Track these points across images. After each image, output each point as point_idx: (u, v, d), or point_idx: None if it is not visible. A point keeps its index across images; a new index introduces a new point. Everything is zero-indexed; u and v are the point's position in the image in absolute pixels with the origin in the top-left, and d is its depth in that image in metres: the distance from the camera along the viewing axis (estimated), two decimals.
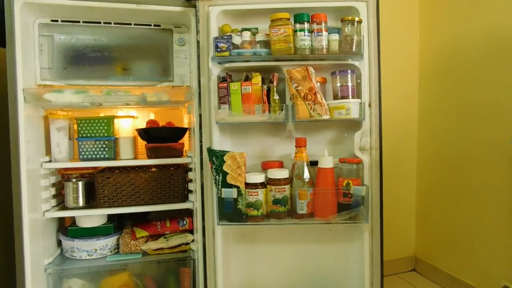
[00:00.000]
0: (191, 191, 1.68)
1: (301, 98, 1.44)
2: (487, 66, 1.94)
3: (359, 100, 1.50)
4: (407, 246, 2.55)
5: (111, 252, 1.67)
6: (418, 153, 2.49)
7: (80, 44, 1.58)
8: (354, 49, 1.46)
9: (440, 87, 2.27)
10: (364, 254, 1.54)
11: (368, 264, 1.54)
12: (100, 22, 1.59)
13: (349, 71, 1.51)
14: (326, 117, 1.45)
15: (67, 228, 1.66)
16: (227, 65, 1.51)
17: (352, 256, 1.62)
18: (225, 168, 1.42)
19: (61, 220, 1.75)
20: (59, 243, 1.69)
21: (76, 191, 1.61)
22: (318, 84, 1.50)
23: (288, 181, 1.46)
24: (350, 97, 1.51)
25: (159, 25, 1.65)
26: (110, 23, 1.60)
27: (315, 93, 1.43)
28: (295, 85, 1.44)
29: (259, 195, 1.43)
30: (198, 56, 1.50)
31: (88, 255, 1.62)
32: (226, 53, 1.45)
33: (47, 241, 1.60)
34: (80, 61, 1.59)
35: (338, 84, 1.53)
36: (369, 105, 1.53)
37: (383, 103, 1.53)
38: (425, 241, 2.48)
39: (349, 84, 1.51)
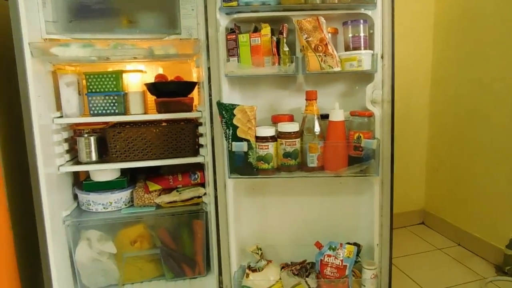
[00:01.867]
0: (201, 145, 1.69)
1: (312, 50, 1.40)
2: (503, 16, 1.85)
3: (371, 52, 1.45)
4: (417, 199, 2.57)
5: (125, 205, 1.71)
6: (430, 106, 2.44)
7: None
8: None
9: (455, 39, 2.19)
10: (374, 206, 1.56)
11: (378, 216, 1.56)
12: None
13: (361, 20, 1.45)
14: (337, 69, 1.42)
15: (82, 182, 1.70)
16: (235, 15, 1.47)
17: (362, 208, 1.64)
18: (235, 121, 1.42)
19: (76, 175, 1.79)
20: (75, 197, 1.73)
21: (89, 146, 1.63)
22: (329, 35, 1.45)
23: (299, 134, 1.46)
24: (362, 48, 1.46)
25: None
26: None
27: (326, 44, 1.39)
28: (306, 36, 1.40)
29: (270, 148, 1.44)
30: (205, 7, 1.45)
31: (104, 208, 1.67)
32: (234, 3, 1.40)
33: (63, 194, 1.64)
34: (84, 13, 1.55)
35: (350, 35, 1.48)
36: (382, 57, 1.48)
37: (396, 56, 1.48)
38: (434, 195, 2.50)
39: (361, 34, 1.46)
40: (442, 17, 2.28)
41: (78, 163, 1.65)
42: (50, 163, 1.51)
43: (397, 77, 1.50)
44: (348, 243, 1.57)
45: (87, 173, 1.73)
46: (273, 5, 1.42)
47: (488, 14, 1.95)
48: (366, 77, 1.51)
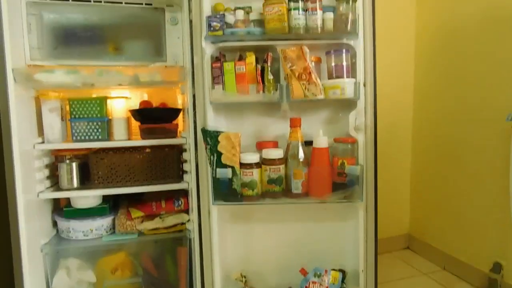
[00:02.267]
0: (186, 172, 1.68)
1: (296, 78, 1.42)
2: (482, 41, 1.93)
3: (354, 80, 1.48)
4: (401, 224, 2.58)
5: (107, 232, 1.68)
6: (413, 132, 2.49)
7: (70, 23, 1.55)
8: (349, 28, 1.44)
9: (436, 63, 2.26)
10: (359, 232, 1.56)
11: (362, 242, 1.56)
12: (90, 0, 1.55)
13: (344, 50, 1.49)
14: (321, 96, 1.44)
15: (62, 209, 1.66)
16: (220, 44, 1.49)
17: (347, 234, 1.64)
18: (219, 148, 1.42)
19: (56, 201, 1.75)
20: (55, 224, 1.69)
21: (70, 172, 1.61)
22: (313, 63, 1.48)
23: (283, 160, 1.46)
24: (345, 76, 1.49)
25: (151, 4, 1.62)
26: (101, 1, 1.56)
27: (310, 72, 1.42)
28: (290, 64, 1.43)
29: (254, 175, 1.44)
30: (191, 36, 1.48)
31: (84, 235, 1.63)
32: (220, 32, 1.43)
33: (42, 222, 1.60)
34: (70, 40, 1.56)
35: (333, 64, 1.51)
36: (364, 85, 1.51)
37: (378, 82, 1.52)
38: (419, 219, 2.51)
39: (344, 63, 1.50)
40: (423, 45, 2.36)
41: (59, 189, 1.62)
42: (29, 190, 1.48)
43: (379, 104, 1.53)
44: (333, 269, 1.56)
45: (68, 200, 1.69)
46: (258, 35, 1.45)
47: (468, 43, 2.02)
48: (349, 104, 1.54)
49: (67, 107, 1.60)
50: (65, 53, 1.56)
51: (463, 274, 2.13)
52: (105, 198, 1.72)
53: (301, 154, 1.47)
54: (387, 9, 2.20)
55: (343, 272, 1.56)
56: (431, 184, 2.36)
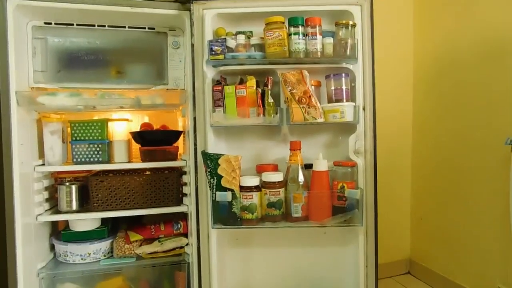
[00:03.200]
0: (185, 195, 1.67)
1: (296, 101, 1.44)
2: (481, 68, 1.96)
3: (353, 104, 1.50)
4: (402, 249, 2.55)
5: (105, 256, 1.65)
6: (413, 156, 2.50)
7: (74, 47, 1.58)
8: (348, 52, 1.47)
9: (434, 90, 2.29)
10: (359, 257, 1.54)
11: (363, 267, 1.54)
12: (94, 25, 1.58)
13: (343, 74, 1.51)
14: (321, 120, 1.45)
15: (60, 232, 1.65)
16: (221, 68, 1.51)
17: (347, 259, 1.62)
18: (219, 171, 1.42)
19: (54, 224, 1.73)
20: (52, 247, 1.67)
21: (70, 194, 1.60)
22: (313, 87, 1.50)
23: (283, 184, 1.46)
24: (345, 100, 1.51)
25: (154, 28, 1.65)
26: (104, 26, 1.59)
27: (310, 96, 1.44)
28: (290, 88, 1.44)
29: (254, 198, 1.43)
30: (193, 59, 1.50)
31: (82, 259, 1.61)
32: (221, 56, 1.45)
33: (40, 245, 1.58)
34: (74, 64, 1.58)
35: (333, 87, 1.53)
36: (363, 109, 1.53)
37: (378, 106, 1.54)
38: (419, 244, 2.49)
39: (344, 87, 1.52)
40: (421, 71, 2.40)
41: (58, 212, 1.61)
42: (28, 213, 1.47)
43: (379, 127, 1.54)
44: None
45: (66, 222, 1.68)
46: (259, 59, 1.48)
47: (465, 71, 2.05)
48: (348, 128, 1.55)
49: (68, 129, 1.61)
50: (68, 76, 1.58)
51: None
52: (104, 221, 1.70)
53: (301, 178, 1.47)
54: (385, 34, 2.25)
55: None
56: (432, 208, 2.35)
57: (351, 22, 1.47)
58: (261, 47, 1.49)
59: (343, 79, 1.52)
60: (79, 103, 1.50)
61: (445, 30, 2.18)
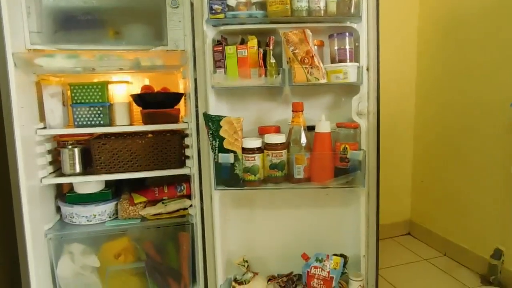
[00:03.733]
0: (188, 157, 1.68)
1: (298, 62, 1.41)
2: (487, 27, 1.90)
3: (357, 64, 1.47)
4: (403, 210, 2.59)
5: (110, 217, 1.68)
6: (415, 118, 2.48)
7: (70, 7, 1.53)
8: (352, 10, 1.43)
9: (438, 50, 2.24)
10: (361, 218, 1.56)
11: (364, 227, 1.56)
12: None
13: (347, 33, 1.47)
14: (324, 81, 1.43)
15: (65, 195, 1.67)
16: (222, 28, 1.47)
17: (349, 219, 1.64)
18: (221, 133, 1.41)
19: (59, 187, 1.75)
20: (58, 209, 1.70)
21: (73, 157, 1.61)
22: (316, 47, 1.47)
23: (285, 146, 1.46)
24: (348, 60, 1.47)
25: None
26: None
27: (312, 56, 1.41)
28: (292, 48, 1.41)
29: (256, 160, 1.43)
30: (192, 19, 1.46)
31: (87, 220, 1.64)
32: (221, 15, 1.41)
33: (46, 207, 1.61)
34: (70, 24, 1.54)
35: (336, 47, 1.49)
36: (367, 69, 1.50)
37: (381, 68, 1.51)
38: (420, 205, 2.52)
39: (347, 47, 1.48)
40: (426, 29, 2.33)
41: (62, 175, 1.62)
42: (32, 175, 1.48)
43: (382, 89, 1.52)
44: (335, 255, 1.57)
45: (70, 185, 1.70)
46: (260, 18, 1.43)
47: (471, 30, 1.99)
48: (352, 89, 1.53)
49: (68, 92, 1.59)
50: (65, 38, 1.54)
51: (463, 260, 2.15)
52: (108, 183, 1.72)
53: (303, 139, 1.46)
54: None
55: (344, 257, 1.57)
56: (433, 170, 2.36)
57: None
58: (262, 5, 1.44)
59: (347, 38, 1.48)
60: (77, 65, 1.48)
61: None
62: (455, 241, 2.20)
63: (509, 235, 1.85)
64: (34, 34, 1.49)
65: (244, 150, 1.43)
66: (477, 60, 1.97)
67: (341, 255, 1.57)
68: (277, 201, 1.68)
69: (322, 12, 1.41)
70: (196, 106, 1.49)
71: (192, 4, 1.45)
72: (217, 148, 1.43)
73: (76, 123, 1.59)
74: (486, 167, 1.97)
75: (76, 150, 1.61)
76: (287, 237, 1.71)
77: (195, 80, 1.48)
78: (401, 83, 2.41)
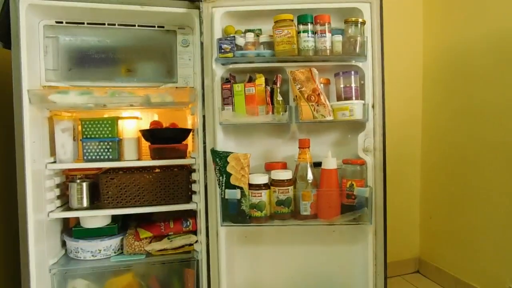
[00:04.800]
0: (194, 192, 1.68)
1: (305, 99, 1.44)
2: (491, 68, 1.93)
3: (362, 101, 1.49)
4: (411, 247, 2.54)
5: (115, 252, 1.67)
6: (422, 154, 2.48)
7: (85, 46, 1.59)
8: (357, 50, 1.46)
9: (444, 89, 2.27)
10: (368, 255, 1.54)
11: (372, 265, 1.54)
12: (104, 24, 1.60)
13: (352, 72, 1.51)
14: (330, 118, 1.45)
15: (71, 229, 1.67)
16: (230, 66, 1.52)
17: (356, 257, 1.61)
18: (228, 169, 1.42)
19: (65, 221, 1.76)
20: (64, 244, 1.69)
21: (81, 191, 1.62)
22: (322, 85, 1.50)
23: (292, 182, 1.46)
24: (354, 98, 1.50)
25: (163, 27, 1.65)
26: (115, 24, 1.60)
27: (319, 94, 1.44)
28: (299, 86, 1.44)
29: (263, 196, 1.43)
30: (202, 58, 1.51)
31: (92, 255, 1.62)
32: (230, 55, 1.46)
33: (51, 241, 1.61)
34: (84, 62, 1.59)
35: (342, 85, 1.53)
36: (373, 106, 1.52)
37: (387, 105, 1.53)
38: (429, 242, 2.47)
39: (353, 85, 1.51)
40: (431, 67, 2.38)
41: (69, 209, 1.63)
42: (40, 209, 1.49)
43: (388, 126, 1.53)
44: None
45: (77, 219, 1.70)
46: (268, 57, 1.48)
47: (475, 67, 2.03)
48: (358, 126, 1.54)
49: (79, 127, 1.63)
50: (79, 75, 1.59)
51: None
52: (114, 218, 1.72)
53: (309, 176, 1.47)
54: (395, 32, 2.23)
55: None
56: (441, 207, 2.33)
57: (360, 20, 1.46)
58: (270, 45, 1.49)
59: (353, 77, 1.51)
60: (89, 101, 1.52)
61: (455, 27, 2.16)
62: (466, 279, 2.14)
63: None
64: (50, 71, 1.55)
65: (251, 186, 1.44)
66: (482, 97, 1.99)
67: None
68: (284, 237, 1.66)
69: (328, 51, 1.45)
70: (204, 142, 1.51)
71: (202, 44, 1.51)
72: (224, 184, 1.43)
73: (85, 157, 1.61)
74: (495, 203, 1.94)
75: (84, 184, 1.63)
76: (294, 274, 1.68)
77: (204, 116, 1.51)
78: (407, 119, 2.43)
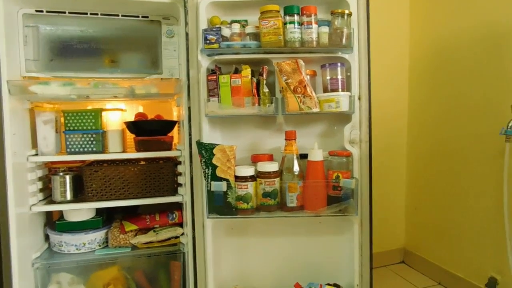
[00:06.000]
0: (180, 185, 1.67)
1: (291, 91, 1.43)
2: (476, 61, 1.95)
3: (349, 93, 1.49)
4: (397, 238, 2.57)
5: (100, 246, 1.65)
6: (408, 146, 2.50)
7: (67, 35, 1.56)
8: (344, 42, 1.46)
9: (430, 81, 2.29)
10: (354, 246, 1.55)
11: (357, 256, 1.55)
12: (86, 13, 1.56)
13: (339, 64, 1.51)
14: (316, 110, 1.45)
15: (55, 222, 1.64)
16: (216, 57, 1.50)
17: (342, 248, 1.63)
18: (214, 161, 1.42)
19: (48, 214, 1.73)
20: (47, 238, 1.67)
21: (64, 184, 1.59)
22: (308, 77, 1.49)
23: (278, 174, 1.46)
24: (340, 90, 1.50)
25: (147, 17, 1.63)
26: (97, 14, 1.57)
27: (305, 86, 1.43)
28: (285, 77, 1.43)
29: (249, 188, 1.43)
30: (187, 48, 1.49)
31: (77, 249, 1.60)
32: (215, 45, 1.44)
33: (34, 235, 1.58)
34: (66, 52, 1.56)
35: (328, 77, 1.52)
36: (359, 98, 1.53)
37: (373, 97, 1.54)
38: (414, 233, 2.51)
39: (339, 77, 1.51)
40: (417, 58, 2.39)
41: (52, 202, 1.60)
42: (22, 203, 1.46)
43: (375, 118, 1.54)
44: (328, 284, 1.55)
45: (60, 213, 1.67)
46: (254, 48, 1.46)
47: (461, 58, 2.05)
48: (344, 117, 1.55)
49: (62, 119, 1.59)
50: (61, 65, 1.56)
51: None
52: (99, 211, 1.70)
53: (296, 167, 1.47)
54: (381, 23, 2.23)
55: (338, 286, 1.55)
56: (427, 198, 2.36)
57: (347, 11, 1.46)
58: (256, 36, 1.47)
59: (339, 68, 1.51)
60: (72, 93, 1.49)
61: (442, 20, 2.17)
62: (450, 269, 2.19)
63: (503, 263, 1.84)
64: (30, 61, 1.51)
65: (237, 178, 1.43)
66: (467, 88, 2.01)
67: (335, 285, 1.55)
68: (270, 229, 1.66)
69: (314, 43, 1.45)
70: (190, 134, 1.50)
71: (187, 34, 1.49)
72: (210, 176, 1.43)
73: (68, 149, 1.58)
74: (479, 195, 1.98)
75: (67, 177, 1.60)
76: (281, 266, 1.68)
77: (189, 108, 1.49)
78: (393, 111, 2.45)
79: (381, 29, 2.23)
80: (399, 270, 2.46)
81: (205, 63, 1.50)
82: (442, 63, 2.18)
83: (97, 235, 1.64)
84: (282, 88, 1.45)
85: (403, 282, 2.29)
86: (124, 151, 1.67)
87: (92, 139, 1.59)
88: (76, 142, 1.59)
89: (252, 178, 1.44)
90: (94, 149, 1.60)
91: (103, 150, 1.62)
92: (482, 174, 1.95)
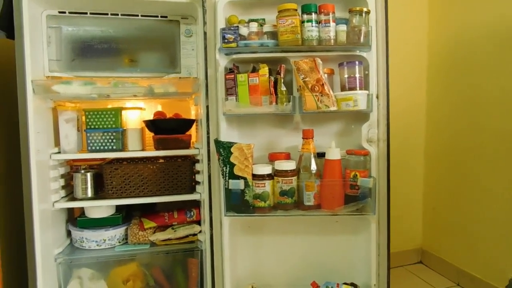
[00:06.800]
0: (198, 183, 1.69)
1: (308, 90, 1.43)
2: (495, 57, 1.92)
3: (366, 92, 1.49)
4: (414, 238, 2.55)
5: (119, 242, 1.69)
6: (426, 145, 2.47)
7: (88, 36, 1.59)
8: (362, 40, 1.45)
9: (448, 78, 2.25)
10: (371, 246, 1.54)
11: (374, 256, 1.54)
12: (107, 14, 1.59)
13: (356, 62, 1.50)
14: (334, 108, 1.45)
15: (76, 219, 1.68)
16: (234, 56, 1.51)
17: (359, 247, 1.62)
18: (232, 159, 1.43)
19: (70, 211, 1.77)
20: (69, 234, 1.71)
21: (85, 182, 1.63)
22: (326, 75, 1.49)
23: (295, 172, 1.46)
24: (358, 88, 1.50)
25: (166, 16, 1.64)
26: (118, 14, 1.60)
27: (323, 84, 1.43)
28: (303, 76, 1.44)
29: (266, 186, 1.44)
30: (205, 48, 1.50)
31: (97, 245, 1.64)
32: (233, 44, 1.45)
33: (56, 231, 1.62)
34: (87, 52, 1.59)
35: (346, 76, 1.52)
36: (377, 97, 1.52)
37: (391, 94, 1.52)
38: (432, 233, 2.47)
39: (357, 75, 1.50)
40: (435, 57, 2.36)
41: (74, 199, 1.64)
42: (45, 199, 1.50)
43: (392, 116, 1.53)
44: (345, 283, 1.54)
45: (81, 209, 1.71)
46: (271, 47, 1.47)
47: (480, 55, 2.01)
48: (361, 116, 1.54)
49: (83, 118, 1.63)
50: (82, 65, 1.59)
51: None
52: (119, 208, 1.73)
53: (313, 166, 1.47)
54: (399, 20, 2.21)
55: (355, 286, 1.54)
56: (445, 197, 2.33)
57: (365, 9, 1.45)
58: (273, 35, 1.48)
59: (357, 67, 1.50)
60: (93, 92, 1.52)
61: (460, 18, 2.14)
62: (468, 270, 2.15)
63: None
64: (53, 61, 1.55)
65: (254, 176, 1.44)
66: (486, 86, 1.98)
67: (352, 284, 1.55)
68: (286, 228, 1.67)
69: (332, 41, 1.44)
70: (208, 133, 1.51)
71: (205, 34, 1.50)
72: (227, 174, 1.44)
73: (89, 148, 1.62)
74: (499, 194, 1.94)
75: (88, 174, 1.63)
76: (297, 264, 1.69)
77: (207, 107, 1.51)
78: (411, 109, 2.42)
79: (399, 26, 2.20)
80: (416, 270, 2.44)
81: (223, 62, 1.51)
82: (461, 59, 2.14)
83: (117, 232, 1.68)
84: (300, 86, 1.45)
85: (421, 282, 2.27)
86: (143, 149, 1.70)
87: (112, 137, 1.62)
88: (97, 140, 1.62)
89: (270, 176, 1.45)
90: (114, 147, 1.63)
91: (123, 148, 1.65)
92: (502, 172, 1.91)
